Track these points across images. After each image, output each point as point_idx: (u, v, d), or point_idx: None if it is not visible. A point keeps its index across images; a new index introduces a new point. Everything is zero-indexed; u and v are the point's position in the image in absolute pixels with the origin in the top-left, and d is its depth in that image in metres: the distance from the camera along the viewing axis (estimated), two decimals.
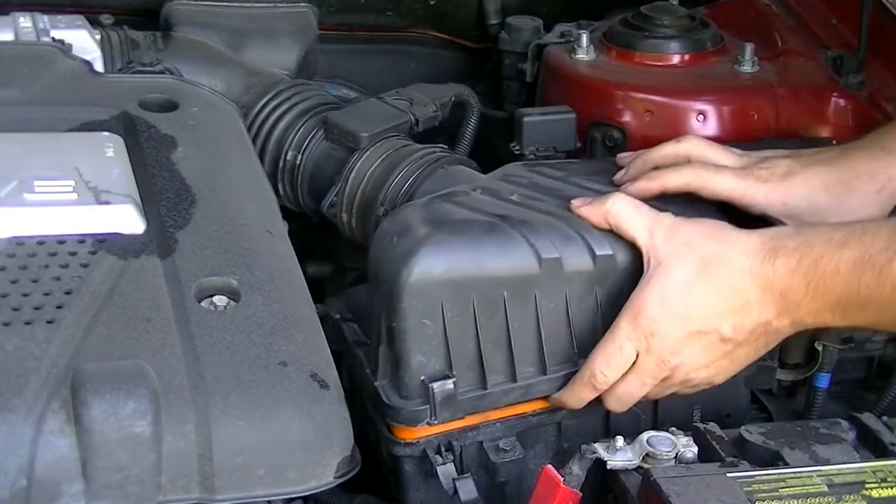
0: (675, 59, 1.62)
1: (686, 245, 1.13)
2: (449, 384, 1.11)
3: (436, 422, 1.11)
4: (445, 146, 1.47)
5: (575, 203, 1.18)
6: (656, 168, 1.25)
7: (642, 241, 1.14)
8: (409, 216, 1.16)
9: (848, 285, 1.07)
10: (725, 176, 1.22)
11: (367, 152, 1.38)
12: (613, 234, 1.15)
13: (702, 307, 1.11)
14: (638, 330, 1.11)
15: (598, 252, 1.14)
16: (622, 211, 1.15)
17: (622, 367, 1.12)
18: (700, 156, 1.26)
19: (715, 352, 1.12)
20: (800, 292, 1.09)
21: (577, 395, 1.15)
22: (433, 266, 1.10)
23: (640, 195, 1.19)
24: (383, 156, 1.37)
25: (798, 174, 1.22)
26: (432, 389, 1.10)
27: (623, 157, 1.31)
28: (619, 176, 1.27)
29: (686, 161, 1.25)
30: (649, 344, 1.11)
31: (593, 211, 1.16)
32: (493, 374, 1.14)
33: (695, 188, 1.21)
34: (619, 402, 1.15)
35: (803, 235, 1.11)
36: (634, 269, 1.15)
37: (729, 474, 1.00)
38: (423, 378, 1.11)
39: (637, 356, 1.12)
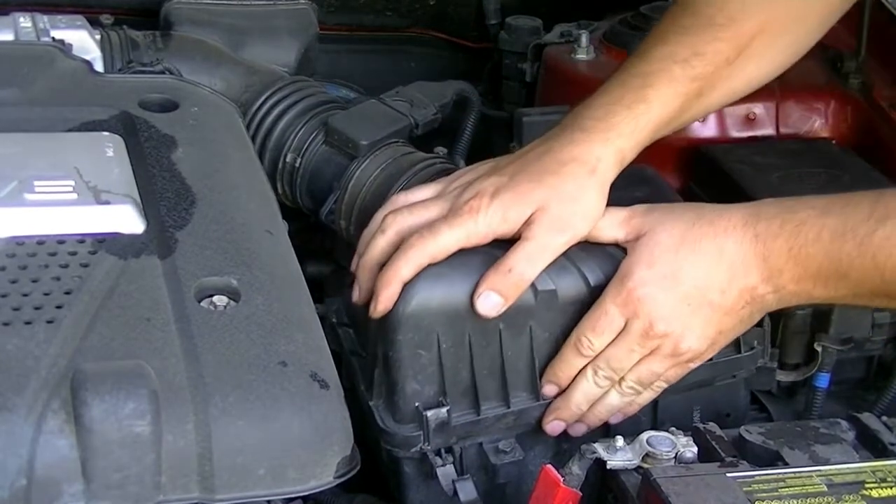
0: None
1: (667, 213, 1.14)
2: (443, 412, 1.12)
3: (428, 447, 1.12)
4: (446, 152, 1.47)
5: None
6: (381, 266, 1.15)
7: (623, 231, 1.15)
8: None
9: (829, 253, 1.06)
10: (442, 233, 1.13)
11: (367, 160, 1.38)
12: (608, 265, 1.15)
13: (689, 269, 1.10)
14: (625, 293, 1.10)
15: (593, 283, 1.14)
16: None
17: (609, 333, 1.12)
18: (404, 224, 1.16)
19: (703, 317, 1.11)
20: (782, 257, 1.08)
21: (567, 361, 1.14)
22: (430, 299, 1.10)
23: (390, 303, 1.11)
24: (383, 165, 1.37)
25: (506, 188, 1.15)
26: (426, 417, 1.11)
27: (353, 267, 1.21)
28: (354, 297, 1.19)
29: (399, 239, 1.16)
30: (637, 308, 1.10)
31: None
32: (486, 400, 1.14)
33: (429, 262, 1.12)
34: (607, 365, 1.13)
35: (784, 203, 1.11)
36: None
37: (729, 474, 0.99)
38: (417, 405, 1.12)
39: (626, 323, 1.11)
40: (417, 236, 1.13)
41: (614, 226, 1.16)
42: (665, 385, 1.16)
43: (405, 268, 1.11)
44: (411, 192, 1.23)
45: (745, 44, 1.24)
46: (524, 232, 1.13)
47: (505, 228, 1.14)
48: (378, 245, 1.17)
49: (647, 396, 1.17)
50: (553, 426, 1.16)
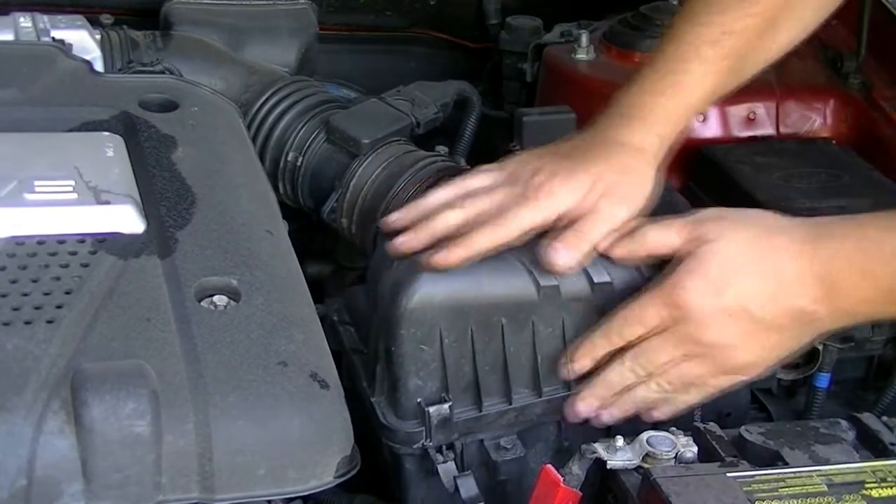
0: None
1: (731, 225, 1.13)
2: (445, 408, 1.12)
3: (430, 443, 1.12)
4: (447, 151, 1.47)
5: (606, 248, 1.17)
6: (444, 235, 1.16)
7: (679, 238, 1.14)
8: None
9: None
10: (518, 215, 1.15)
11: (369, 159, 1.38)
12: (610, 261, 1.15)
13: (736, 283, 1.09)
14: (671, 298, 1.10)
15: (595, 279, 1.15)
16: (653, 238, 1.15)
17: (639, 327, 1.11)
18: (478, 206, 1.17)
19: (746, 332, 1.10)
20: (843, 277, 1.07)
21: (591, 342, 1.14)
22: (433, 293, 1.10)
23: (458, 261, 1.12)
24: (384, 163, 1.37)
25: (569, 167, 1.17)
26: (428, 413, 1.11)
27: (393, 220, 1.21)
28: (400, 242, 1.16)
29: (469, 221, 1.17)
30: (674, 314, 1.10)
31: (631, 252, 1.16)
32: (488, 396, 1.14)
33: (505, 243, 1.14)
34: (636, 359, 1.13)
35: (847, 220, 1.11)
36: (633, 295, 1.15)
37: (729, 474, 0.99)
38: (419, 400, 1.12)
39: (662, 323, 1.11)
40: (497, 216, 1.15)
41: (670, 234, 1.15)
42: (712, 391, 1.15)
43: (483, 240, 1.13)
44: (474, 177, 1.23)
45: (774, 14, 1.25)
46: (589, 205, 1.16)
47: (571, 205, 1.16)
48: (450, 217, 1.17)
49: (691, 398, 1.15)
50: (579, 408, 1.15)
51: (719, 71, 1.23)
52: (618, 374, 1.14)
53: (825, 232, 1.10)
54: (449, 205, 1.19)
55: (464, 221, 1.16)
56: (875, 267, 1.06)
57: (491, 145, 1.71)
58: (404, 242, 1.16)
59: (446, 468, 1.11)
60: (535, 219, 1.15)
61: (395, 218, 1.20)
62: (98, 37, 1.50)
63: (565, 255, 1.13)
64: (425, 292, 1.10)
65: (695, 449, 1.05)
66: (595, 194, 1.16)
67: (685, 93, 1.22)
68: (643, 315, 1.11)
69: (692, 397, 1.16)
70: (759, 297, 1.09)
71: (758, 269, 1.10)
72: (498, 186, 1.20)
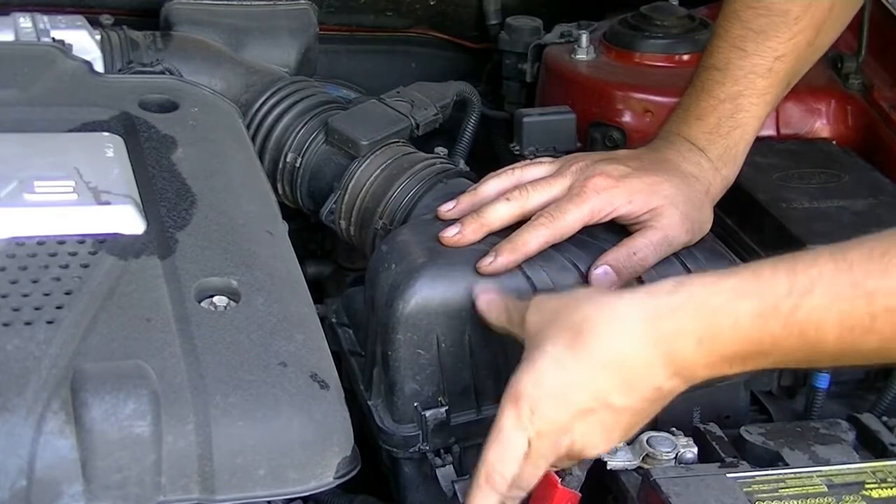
0: (675, 60, 1.62)
1: (554, 315, 1.00)
2: (441, 412, 1.12)
3: (427, 447, 1.12)
4: (446, 152, 1.46)
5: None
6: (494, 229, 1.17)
7: (519, 329, 1.05)
8: (406, 241, 1.17)
9: (749, 337, 0.93)
10: (568, 212, 1.15)
11: (367, 161, 1.38)
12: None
13: (580, 383, 0.97)
14: (522, 417, 0.97)
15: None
16: (490, 310, 1.10)
17: (518, 458, 0.98)
18: (529, 201, 1.18)
19: (607, 424, 0.98)
20: (689, 350, 0.95)
21: (484, 498, 0.99)
22: (430, 298, 1.10)
23: (508, 266, 1.13)
24: (383, 165, 1.36)
25: (633, 176, 1.18)
26: (425, 417, 1.11)
27: (447, 209, 1.22)
28: (450, 233, 1.16)
29: (522, 213, 1.17)
30: (537, 429, 0.97)
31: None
32: (485, 400, 1.14)
33: (556, 241, 1.15)
34: (518, 490, 1.00)
35: (687, 288, 0.96)
36: None
37: (729, 475, 1.00)
38: (416, 405, 1.12)
39: (529, 442, 0.98)
40: (547, 216, 1.15)
41: (511, 316, 1.08)
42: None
43: (533, 241, 1.14)
44: (528, 169, 1.23)
45: (821, 21, 1.24)
46: (651, 222, 1.16)
47: (626, 211, 1.16)
48: (501, 210, 1.18)
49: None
50: None
51: (776, 94, 1.25)
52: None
53: (663, 306, 0.96)
54: (506, 197, 1.19)
55: (513, 217, 1.17)
56: (722, 337, 0.94)
57: (491, 145, 1.71)
58: (455, 236, 1.16)
59: (445, 472, 1.11)
60: (584, 217, 1.16)
61: (447, 209, 1.21)
62: (98, 37, 1.50)
63: (605, 278, 1.13)
64: (422, 297, 1.10)
65: (695, 449, 1.05)
66: (663, 215, 1.16)
67: (748, 129, 1.23)
68: (516, 445, 0.98)
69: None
70: (614, 389, 0.97)
71: (596, 362, 0.97)
72: (553, 177, 1.20)
